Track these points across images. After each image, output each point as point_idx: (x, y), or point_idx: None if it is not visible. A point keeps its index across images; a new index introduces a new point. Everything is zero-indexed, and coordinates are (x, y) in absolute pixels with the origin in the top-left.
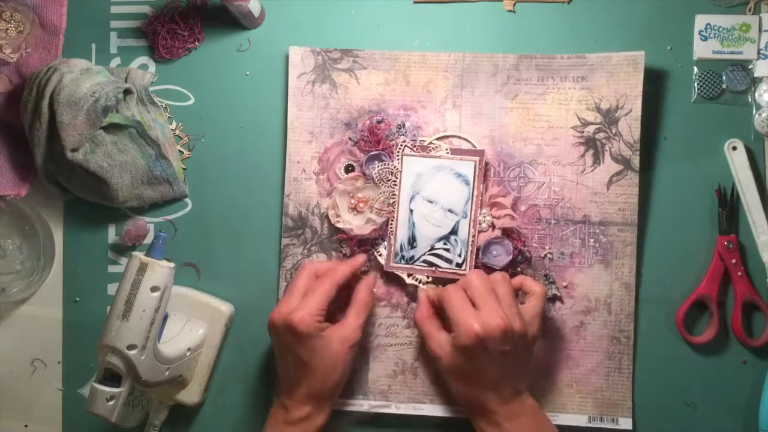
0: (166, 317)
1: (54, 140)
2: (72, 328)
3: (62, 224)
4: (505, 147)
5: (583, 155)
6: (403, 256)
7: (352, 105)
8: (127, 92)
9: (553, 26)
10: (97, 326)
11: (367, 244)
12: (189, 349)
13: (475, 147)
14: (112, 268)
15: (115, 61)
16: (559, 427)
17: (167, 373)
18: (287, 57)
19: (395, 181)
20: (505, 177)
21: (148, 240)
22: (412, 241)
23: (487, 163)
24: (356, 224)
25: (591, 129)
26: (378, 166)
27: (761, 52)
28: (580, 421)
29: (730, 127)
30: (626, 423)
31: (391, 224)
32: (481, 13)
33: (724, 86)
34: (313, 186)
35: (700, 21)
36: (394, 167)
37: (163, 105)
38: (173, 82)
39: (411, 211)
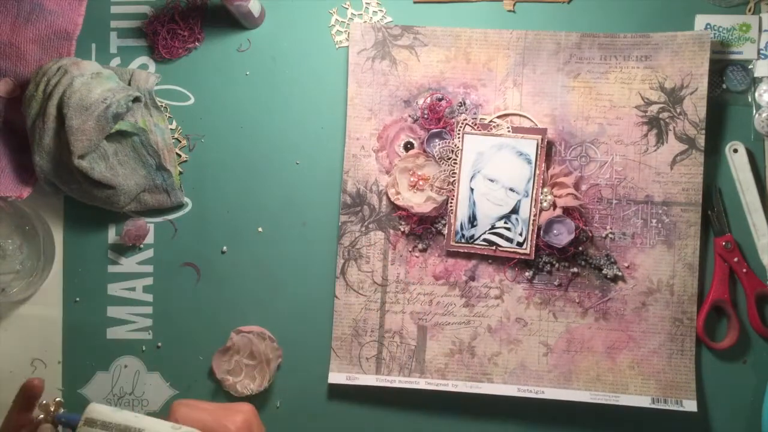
0: None
1: (58, 142)
2: (72, 328)
3: (62, 224)
4: (567, 126)
5: (645, 135)
6: (463, 235)
7: (411, 82)
8: (135, 99)
9: (553, 26)
10: (97, 326)
11: (426, 222)
12: None
13: (536, 125)
14: (112, 268)
15: (115, 61)
16: (621, 407)
17: None
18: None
19: (456, 159)
20: (566, 156)
21: (149, 240)
22: (472, 220)
23: (549, 142)
24: (416, 202)
25: (654, 108)
26: (439, 144)
27: (761, 52)
28: (643, 402)
29: (730, 127)
30: (691, 405)
31: (451, 203)
32: (481, 13)
33: (724, 86)
34: (372, 163)
35: (700, 21)
36: (455, 145)
37: (163, 105)
38: (173, 82)
39: (471, 189)
